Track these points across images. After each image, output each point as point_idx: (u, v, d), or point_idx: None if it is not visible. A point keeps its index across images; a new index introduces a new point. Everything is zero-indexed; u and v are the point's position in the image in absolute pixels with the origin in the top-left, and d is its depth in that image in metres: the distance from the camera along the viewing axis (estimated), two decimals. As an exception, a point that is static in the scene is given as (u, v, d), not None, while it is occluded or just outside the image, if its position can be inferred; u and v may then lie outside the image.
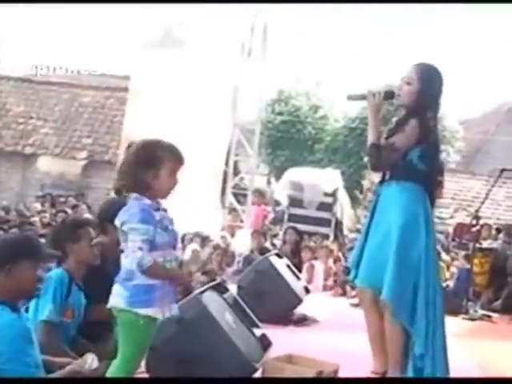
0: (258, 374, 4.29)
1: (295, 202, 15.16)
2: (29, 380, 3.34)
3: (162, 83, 16.06)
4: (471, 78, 55.95)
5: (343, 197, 16.14)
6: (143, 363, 4.27)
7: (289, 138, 29.57)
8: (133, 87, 17.16)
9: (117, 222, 3.49)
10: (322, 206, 15.14)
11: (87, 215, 12.11)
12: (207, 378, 3.55)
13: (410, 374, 4.44)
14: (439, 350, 4.45)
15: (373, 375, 4.56)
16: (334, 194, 15.29)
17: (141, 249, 3.37)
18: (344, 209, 15.93)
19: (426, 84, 4.56)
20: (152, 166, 3.50)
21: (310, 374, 4.18)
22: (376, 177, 4.73)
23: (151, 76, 16.37)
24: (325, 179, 15.67)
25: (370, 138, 4.52)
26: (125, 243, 3.45)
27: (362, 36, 57.68)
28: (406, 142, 4.47)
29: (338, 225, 15.37)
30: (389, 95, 4.61)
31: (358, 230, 14.21)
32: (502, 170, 9.74)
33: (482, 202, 10.44)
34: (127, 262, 3.43)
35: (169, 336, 4.15)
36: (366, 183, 6.82)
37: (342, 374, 4.52)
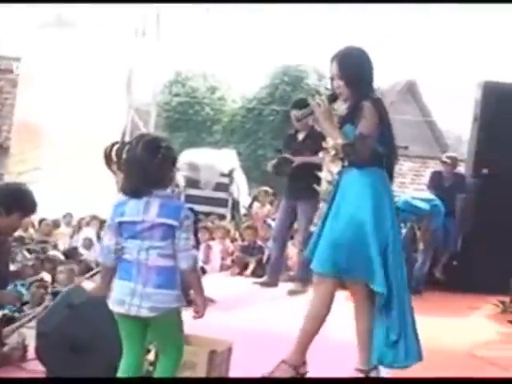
0: (151, 355, 4.25)
1: (192, 182, 15.11)
2: (30, 380, 3.22)
3: (54, 65, 15.72)
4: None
5: (240, 177, 16.20)
6: (32, 350, 4.20)
7: (187, 120, 29.48)
8: (24, 69, 16.72)
9: (175, 219, 3.38)
10: (219, 187, 15.19)
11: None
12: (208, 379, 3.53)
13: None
14: (411, 335, 4.39)
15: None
16: (230, 175, 15.34)
17: (194, 247, 3.46)
18: (240, 189, 15.99)
19: (355, 68, 4.47)
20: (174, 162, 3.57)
21: (203, 352, 4.17)
22: (334, 166, 4.61)
23: (43, 58, 16.00)
24: (221, 160, 15.71)
25: (337, 139, 4.39)
26: (171, 239, 3.40)
27: (256, 19, 57.89)
28: (372, 127, 4.35)
29: (235, 205, 15.45)
30: (332, 98, 4.54)
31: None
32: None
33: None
34: (183, 259, 3.42)
35: (59, 321, 4.08)
36: (324, 174, 6.74)
37: (237, 352, 4.52)
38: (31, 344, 4.36)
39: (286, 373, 4.41)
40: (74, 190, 14.31)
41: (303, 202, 7.88)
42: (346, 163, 4.50)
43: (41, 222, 11.44)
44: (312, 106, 4.54)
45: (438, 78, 57.93)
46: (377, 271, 4.24)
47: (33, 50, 16.37)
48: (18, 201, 4.70)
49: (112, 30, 16.38)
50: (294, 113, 7.46)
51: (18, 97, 17.13)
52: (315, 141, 7.57)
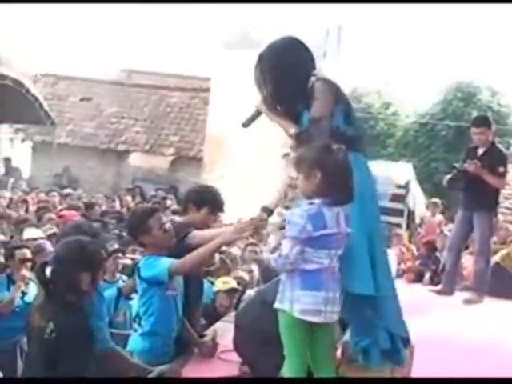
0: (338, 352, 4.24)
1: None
2: (31, 380, 3.31)
3: (241, 83, 16.20)
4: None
5: (415, 188, 15.96)
6: (231, 341, 4.34)
7: (362, 134, 29.38)
8: (214, 87, 17.34)
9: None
10: (395, 197, 14.91)
11: (175, 207, 12.32)
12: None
13: None
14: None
15: None
16: (406, 186, 15.11)
17: None
18: (416, 200, 15.72)
19: (277, 61, 3.96)
20: None
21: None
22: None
23: (231, 76, 16.51)
24: (397, 172, 15.50)
25: (289, 129, 3.88)
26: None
27: (429, 37, 56.73)
28: (325, 108, 3.74)
29: (410, 215, 15.22)
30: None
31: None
32: None
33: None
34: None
35: (253, 317, 4.18)
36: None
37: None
38: (228, 336, 4.51)
39: None
40: (252, 196, 14.64)
41: (479, 213, 7.65)
42: None
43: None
44: (256, 105, 4.07)
45: None
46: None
47: (222, 69, 16.95)
48: (206, 198, 4.92)
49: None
50: (473, 130, 7.44)
51: (209, 113, 17.82)
52: (494, 156, 7.37)
